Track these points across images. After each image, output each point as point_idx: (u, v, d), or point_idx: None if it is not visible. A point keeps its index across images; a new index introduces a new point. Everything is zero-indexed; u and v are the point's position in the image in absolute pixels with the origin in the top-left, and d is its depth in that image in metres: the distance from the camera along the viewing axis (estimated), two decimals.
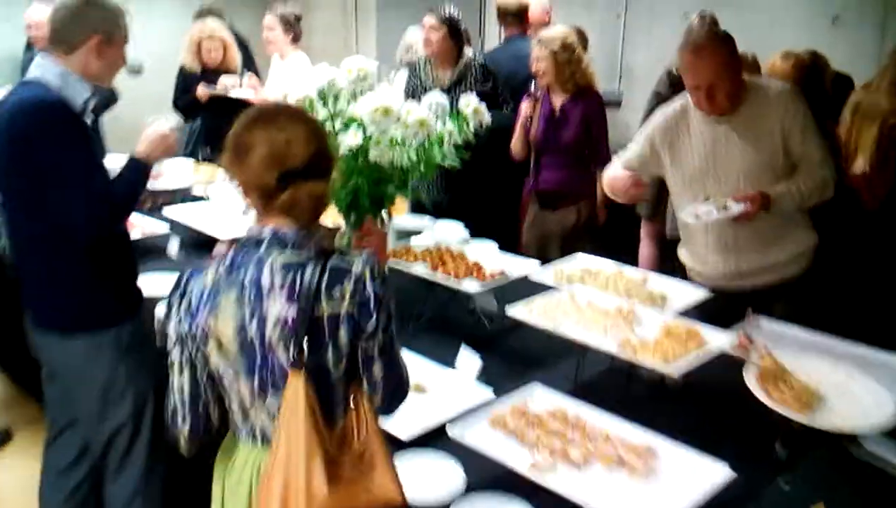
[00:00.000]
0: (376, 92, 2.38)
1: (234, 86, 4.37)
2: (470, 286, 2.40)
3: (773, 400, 1.77)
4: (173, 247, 3.03)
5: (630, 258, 4.73)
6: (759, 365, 1.88)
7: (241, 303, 1.36)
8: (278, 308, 1.34)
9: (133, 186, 2.24)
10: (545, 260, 3.25)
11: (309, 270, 1.35)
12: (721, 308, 2.40)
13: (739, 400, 1.84)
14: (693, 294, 2.45)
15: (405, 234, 2.85)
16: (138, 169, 2.25)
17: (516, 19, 4.38)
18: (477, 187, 3.75)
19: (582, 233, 3.71)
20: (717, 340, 2.05)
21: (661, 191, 4.16)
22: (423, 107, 2.28)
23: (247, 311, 1.36)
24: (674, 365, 1.87)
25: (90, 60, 2.17)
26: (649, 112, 4.10)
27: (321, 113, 2.33)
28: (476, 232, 3.13)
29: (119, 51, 2.25)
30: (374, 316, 1.36)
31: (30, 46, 4.50)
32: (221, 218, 3.08)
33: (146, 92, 4.49)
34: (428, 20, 3.80)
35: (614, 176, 2.75)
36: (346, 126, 2.29)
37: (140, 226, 3.12)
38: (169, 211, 3.23)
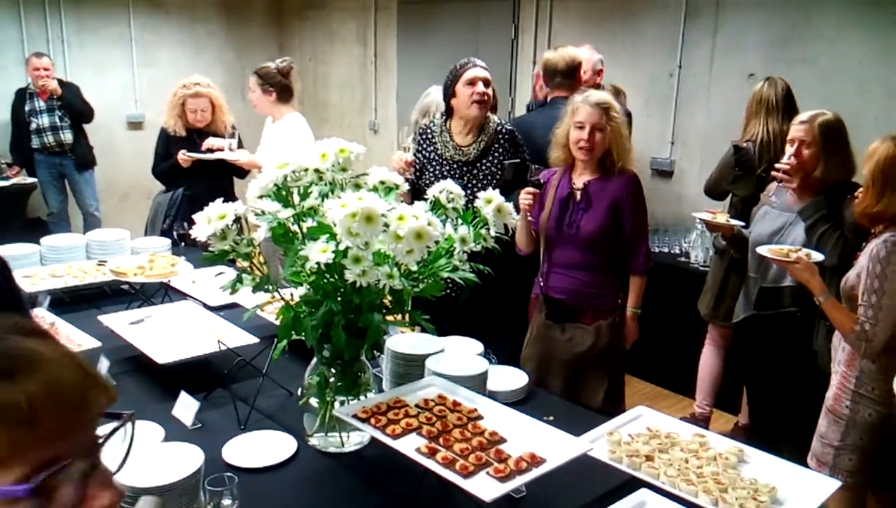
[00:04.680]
0: (364, 188, 1.73)
1: (221, 148, 3.76)
2: (484, 489, 1.42)
3: None
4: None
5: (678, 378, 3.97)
6: None
7: None
8: None
9: None
10: (544, 384, 2.63)
11: None
12: None
13: None
14: (822, 487, 1.56)
15: (408, 361, 2.09)
16: None
17: (566, 79, 3.46)
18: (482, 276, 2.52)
19: (598, 361, 2.72)
20: None
21: (724, 283, 3.42)
22: (420, 209, 1.60)
23: None
24: None
25: None
26: (713, 189, 3.46)
27: (284, 214, 1.67)
28: (482, 330, 2.42)
29: None
30: None
31: None
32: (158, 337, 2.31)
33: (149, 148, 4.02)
34: (480, 72, 2.90)
35: None
36: (314, 235, 1.62)
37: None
38: (106, 319, 2.43)
